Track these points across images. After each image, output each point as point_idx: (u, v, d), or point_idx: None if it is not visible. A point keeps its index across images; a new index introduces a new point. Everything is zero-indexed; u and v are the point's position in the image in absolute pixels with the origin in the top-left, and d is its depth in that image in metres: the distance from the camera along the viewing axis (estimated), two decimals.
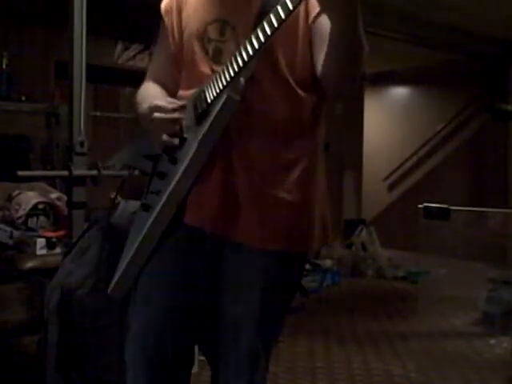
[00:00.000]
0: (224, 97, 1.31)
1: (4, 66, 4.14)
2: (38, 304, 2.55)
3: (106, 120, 4.81)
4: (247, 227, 1.39)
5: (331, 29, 1.24)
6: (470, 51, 6.53)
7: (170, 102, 1.42)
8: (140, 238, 1.43)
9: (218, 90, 1.33)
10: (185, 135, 1.41)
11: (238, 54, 1.29)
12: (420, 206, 2.69)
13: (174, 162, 1.41)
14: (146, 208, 1.45)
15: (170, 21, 1.54)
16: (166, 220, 1.42)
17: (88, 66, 2.66)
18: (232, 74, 1.31)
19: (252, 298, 1.40)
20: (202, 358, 1.56)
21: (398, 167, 7.94)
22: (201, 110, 1.37)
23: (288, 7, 1.17)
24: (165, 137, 1.42)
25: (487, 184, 6.95)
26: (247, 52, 1.27)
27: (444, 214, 2.64)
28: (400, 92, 8.39)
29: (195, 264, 1.44)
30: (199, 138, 1.34)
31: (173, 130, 1.41)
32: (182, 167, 1.37)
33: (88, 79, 2.68)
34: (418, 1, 5.11)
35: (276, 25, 1.21)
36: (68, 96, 2.70)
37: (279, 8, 1.19)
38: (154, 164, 1.51)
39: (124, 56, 5.06)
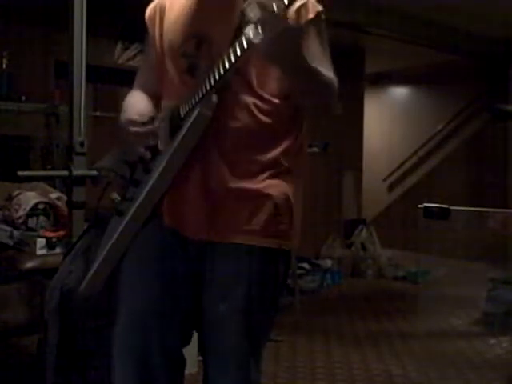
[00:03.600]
0: (195, 113, 1.37)
1: (4, 66, 4.14)
2: (38, 304, 2.55)
3: (106, 120, 4.81)
4: (229, 226, 1.41)
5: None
6: (470, 51, 6.53)
7: (142, 115, 1.50)
8: (111, 241, 1.50)
9: (190, 106, 1.39)
10: (159, 147, 1.48)
11: (210, 73, 1.34)
12: (420, 206, 2.69)
13: (147, 171, 1.49)
14: (120, 213, 1.52)
15: (152, 30, 1.56)
16: (136, 226, 1.49)
17: (88, 66, 2.66)
18: (204, 91, 1.36)
19: (236, 296, 1.42)
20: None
21: (398, 167, 7.94)
22: (175, 125, 1.43)
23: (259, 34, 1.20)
24: (141, 149, 1.50)
25: (487, 184, 6.95)
26: (219, 72, 1.32)
27: (444, 214, 2.64)
28: (400, 92, 8.39)
29: (178, 265, 1.46)
30: (171, 151, 1.41)
31: (146, 143, 1.49)
32: (153, 177, 1.43)
33: (88, 79, 2.68)
34: (418, 1, 5.11)
35: (246, 47, 1.23)
36: (68, 96, 2.69)
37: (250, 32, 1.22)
38: (131, 171, 1.58)
39: (124, 56, 5.06)
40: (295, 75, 1.32)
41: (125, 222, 1.47)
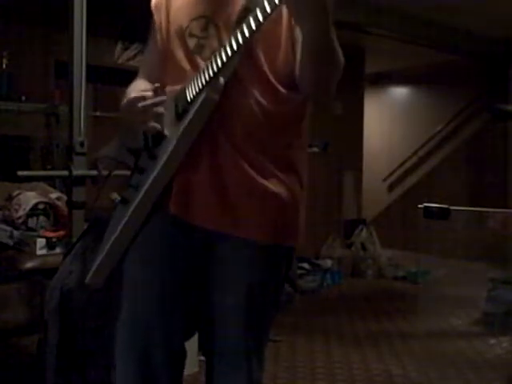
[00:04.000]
0: (202, 96, 1.34)
1: (4, 66, 4.15)
2: (38, 304, 2.55)
3: (106, 120, 4.81)
4: (237, 219, 1.40)
5: (302, 37, 1.27)
6: (470, 51, 6.53)
7: (147, 90, 1.44)
8: (118, 230, 1.46)
9: (197, 89, 1.36)
10: (165, 132, 1.44)
11: (217, 55, 1.32)
12: (420, 206, 2.68)
13: (153, 157, 1.45)
14: (125, 201, 1.48)
15: (158, 18, 1.55)
16: (143, 213, 1.45)
17: (88, 66, 2.66)
18: (211, 73, 1.33)
19: (240, 293, 1.41)
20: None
21: (398, 167, 7.94)
22: (181, 109, 1.40)
23: (266, 11, 1.19)
24: (150, 125, 1.43)
25: (487, 184, 6.95)
26: (226, 53, 1.30)
27: (444, 214, 2.64)
28: (400, 92, 8.39)
29: (182, 256, 1.44)
30: (177, 135, 1.38)
31: (152, 117, 1.43)
32: (160, 163, 1.40)
33: (88, 79, 2.68)
34: (418, 1, 5.11)
35: (254, 27, 1.23)
36: (68, 96, 2.69)
37: (258, 11, 1.21)
38: (136, 159, 1.54)
39: (124, 56, 5.06)
40: (316, 34, 1.24)
41: (131, 209, 1.44)
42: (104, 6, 4.03)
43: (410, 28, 5.76)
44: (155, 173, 1.40)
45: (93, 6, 2.66)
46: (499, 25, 5.77)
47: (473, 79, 7.16)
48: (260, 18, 1.21)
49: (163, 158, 1.39)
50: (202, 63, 1.40)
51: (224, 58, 1.30)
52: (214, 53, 1.34)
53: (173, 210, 1.42)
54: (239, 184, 1.39)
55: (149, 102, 1.42)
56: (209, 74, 1.34)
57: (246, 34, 1.25)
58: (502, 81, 6.75)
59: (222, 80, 1.34)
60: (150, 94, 1.44)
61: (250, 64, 1.38)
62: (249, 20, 1.23)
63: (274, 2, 1.17)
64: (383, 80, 8.28)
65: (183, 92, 1.41)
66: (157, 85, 1.45)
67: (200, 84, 1.36)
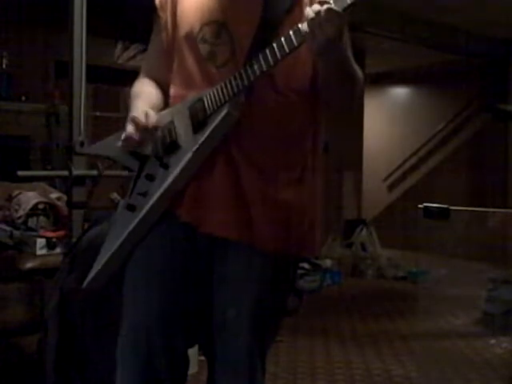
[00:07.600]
0: (224, 112, 1.34)
1: (4, 66, 4.16)
2: (38, 304, 2.55)
3: (105, 120, 4.81)
4: (249, 227, 1.38)
5: (321, 70, 1.35)
6: (470, 51, 6.53)
7: (148, 116, 1.41)
8: (124, 235, 1.44)
9: (218, 104, 1.35)
10: (179, 141, 1.42)
11: (243, 72, 1.32)
12: (420, 206, 2.69)
13: (166, 166, 1.43)
14: (132, 208, 1.46)
15: (164, 15, 1.52)
16: (150, 221, 1.44)
17: (88, 66, 2.66)
18: (235, 90, 1.33)
19: (247, 300, 1.40)
20: (202, 358, 1.55)
21: (398, 167, 7.94)
22: (200, 120, 1.38)
23: (293, 43, 1.26)
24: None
25: (487, 184, 6.95)
26: (254, 72, 1.30)
27: (444, 214, 2.64)
28: (400, 92, 8.39)
29: (187, 263, 1.43)
30: (195, 148, 1.37)
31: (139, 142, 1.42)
32: (173, 173, 1.39)
33: (88, 79, 2.68)
34: (418, 1, 5.11)
35: (287, 50, 1.27)
36: (68, 96, 2.69)
37: (292, 36, 1.26)
38: (140, 164, 1.51)
39: (124, 56, 5.07)
40: (334, 65, 1.32)
41: (140, 217, 1.43)
42: (104, 6, 4.03)
43: (410, 28, 5.76)
44: (168, 183, 1.39)
45: (93, 6, 2.66)
46: (499, 25, 5.78)
47: (473, 79, 7.16)
48: (295, 42, 1.26)
49: (177, 169, 1.38)
50: (214, 70, 1.39)
51: (251, 77, 1.31)
52: (236, 64, 1.35)
53: (184, 217, 1.41)
54: (252, 192, 1.38)
55: (136, 136, 1.40)
56: (232, 91, 1.33)
57: (278, 56, 1.28)
58: (502, 81, 6.75)
59: (242, 97, 1.34)
60: (142, 121, 1.40)
61: (266, 78, 1.37)
62: (281, 42, 1.27)
63: (301, 36, 1.24)
64: (383, 80, 8.28)
65: (200, 102, 1.39)
66: (155, 123, 1.42)
67: (221, 98, 1.34)
